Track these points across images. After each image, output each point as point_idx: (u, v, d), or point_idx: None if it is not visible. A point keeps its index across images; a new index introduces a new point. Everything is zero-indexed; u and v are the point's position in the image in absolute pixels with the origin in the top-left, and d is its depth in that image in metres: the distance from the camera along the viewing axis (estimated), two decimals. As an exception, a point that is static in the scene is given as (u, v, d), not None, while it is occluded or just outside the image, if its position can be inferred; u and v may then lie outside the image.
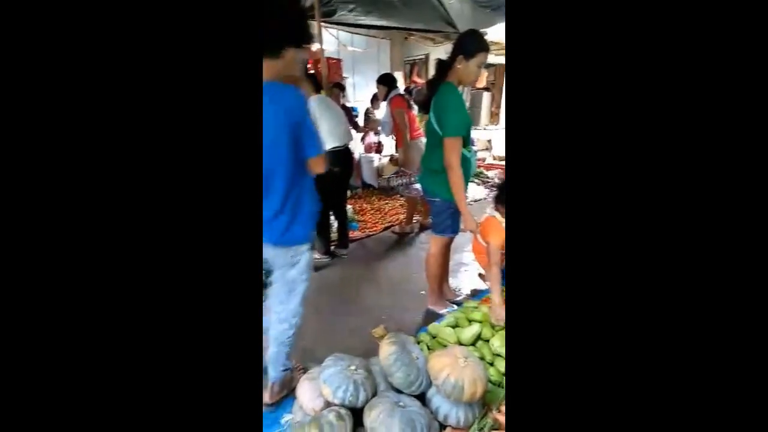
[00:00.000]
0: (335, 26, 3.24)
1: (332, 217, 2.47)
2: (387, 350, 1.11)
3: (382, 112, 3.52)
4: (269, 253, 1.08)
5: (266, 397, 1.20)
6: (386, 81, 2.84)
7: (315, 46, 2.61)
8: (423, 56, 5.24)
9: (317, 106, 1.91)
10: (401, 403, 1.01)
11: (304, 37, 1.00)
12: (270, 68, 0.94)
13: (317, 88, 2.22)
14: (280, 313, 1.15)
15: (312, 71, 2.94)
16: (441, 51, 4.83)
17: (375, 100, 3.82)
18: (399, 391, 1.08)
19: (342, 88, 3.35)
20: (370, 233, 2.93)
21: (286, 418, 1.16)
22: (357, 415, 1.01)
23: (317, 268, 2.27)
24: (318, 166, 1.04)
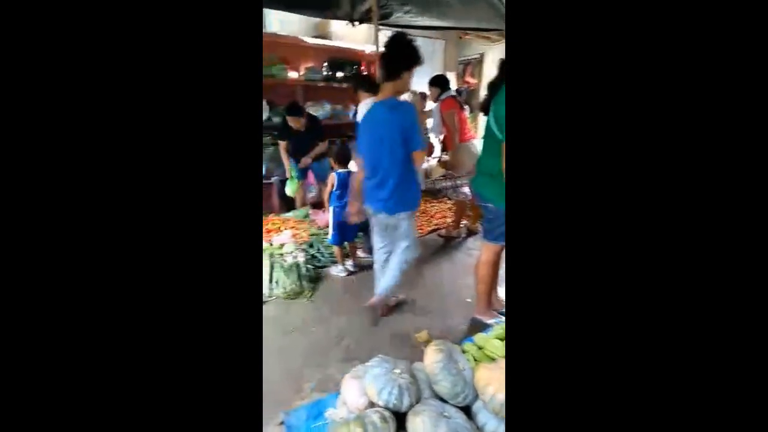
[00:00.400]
0: (392, 28, 3.26)
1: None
2: (433, 357, 1.08)
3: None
4: (386, 219, 1.65)
5: (372, 300, 1.79)
6: (439, 82, 2.78)
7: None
8: (478, 56, 5.07)
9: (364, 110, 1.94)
10: (446, 414, 0.98)
11: (416, 62, 1.44)
12: (390, 87, 1.46)
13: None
14: (397, 251, 1.75)
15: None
16: (497, 50, 4.64)
17: (423, 99, 3.76)
18: (443, 401, 1.06)
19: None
20: (416, 235, 2.90)
21: (330, 412, 1.18)
22: (399, 419, 1.00)
23: (362, 267, 2.31)
24: (422, 157, 1.55)
